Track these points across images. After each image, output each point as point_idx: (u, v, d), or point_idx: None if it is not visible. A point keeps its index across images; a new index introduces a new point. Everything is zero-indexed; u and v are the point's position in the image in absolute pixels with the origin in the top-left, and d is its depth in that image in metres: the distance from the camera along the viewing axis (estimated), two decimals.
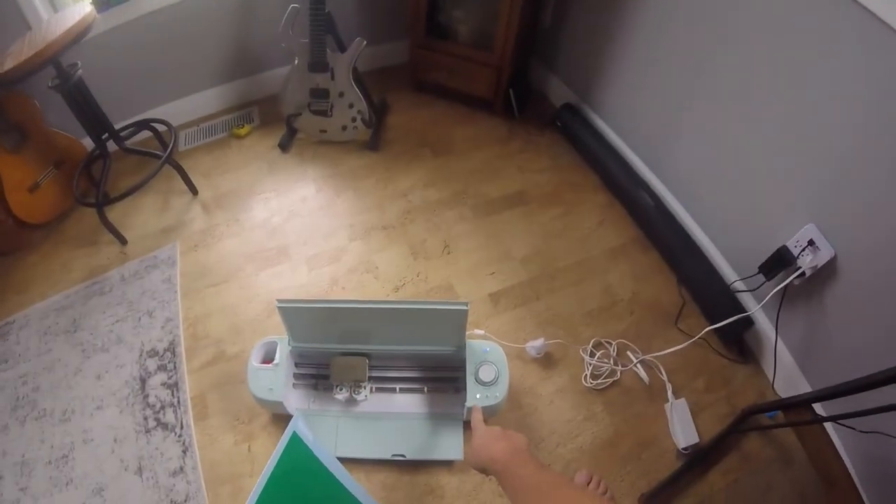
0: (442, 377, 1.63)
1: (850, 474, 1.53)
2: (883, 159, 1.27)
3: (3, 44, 1.89)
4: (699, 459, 1.59)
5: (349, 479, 1.47)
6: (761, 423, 1.60)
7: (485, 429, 1.07)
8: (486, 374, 1.51)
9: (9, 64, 1.74)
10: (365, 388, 1.61)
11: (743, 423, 1.50)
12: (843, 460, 1.55)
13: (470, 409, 1.48)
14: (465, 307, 1.40)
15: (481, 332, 1.78)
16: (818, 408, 1.58)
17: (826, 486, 1.57)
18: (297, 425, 1.52)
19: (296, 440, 1.49)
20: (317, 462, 1.47)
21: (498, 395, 1.49)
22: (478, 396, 1.49)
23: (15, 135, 2.11)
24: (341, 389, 1.59)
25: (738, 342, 1.83)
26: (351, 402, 1.61)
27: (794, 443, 1.64)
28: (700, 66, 1.79)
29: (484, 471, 0.97)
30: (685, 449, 1.59)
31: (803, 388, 1.61)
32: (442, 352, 1.59)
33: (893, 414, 1.22)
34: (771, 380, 1.74)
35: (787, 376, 1.70)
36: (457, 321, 1.45)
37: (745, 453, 1.61)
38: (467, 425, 1.58)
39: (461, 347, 1.56)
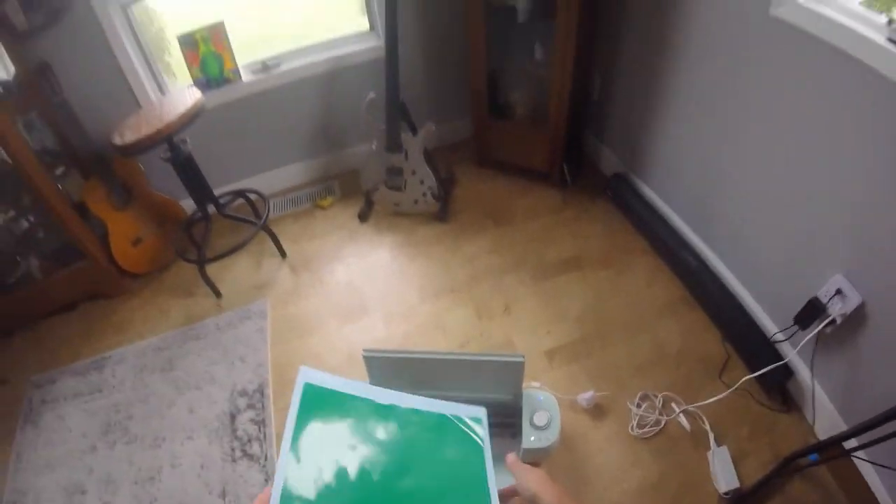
0: (501, 423, 1.73)
1: None
2: None
3: (114, 116, 2.12)
4: (742, 503, 1.63)
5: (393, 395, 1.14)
6: (800, 465, 1.60)
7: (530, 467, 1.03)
8: (540, 419, 1.64)
9: (129, 138, 1.93)
10: None
11: (785, 468, 1.53)
12: (879, 502, 1.59)
13: (524, 451, 1.62)
14: (521, 359, 1.55)
15: (537, 384, 1.90)
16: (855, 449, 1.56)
17: None
18: (307, 374, 1.12)
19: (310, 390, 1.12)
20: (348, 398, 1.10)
21: (550, 437, 1.59)
22: (532, 439, 1.60)
23: (123, 193, 2.32)
24: None
25: (781, 391, 1.87)
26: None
27: (837, 488, 1.67)
28: (734, 135, 1.90)
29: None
30: (726, 493, 1.64)
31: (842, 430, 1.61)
32: (501, 399, 1.71)
33: None
34: (812, 425, 1.78)
35: (827, 421, 1.74)
36: (514, 372, 1.59)
37: (790, 498, 1.65)
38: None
39: (518, 395, 1.71)
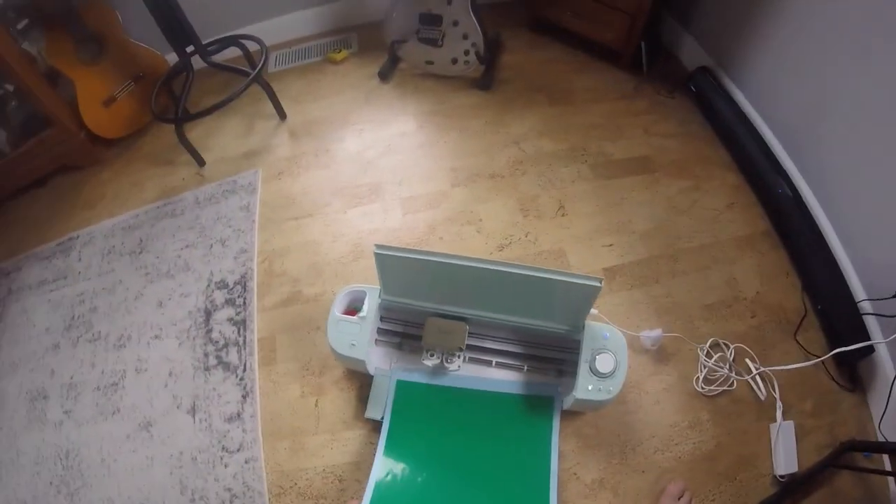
0: (548, 357, 1.43)
1: None
2: None
3: None
4: (792, 491, 1.46)
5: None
6: (858, 462, 1.48)
7: None
8: (604, 364, 1.29)
9: None
10: (459, 357, 1.42)
11: (839, 458, 1.43)
12: None
13: (576, 401, 1.32)
14: (598, 284, 1.17)
15: (595, 311, 1.55)
16: None
17: None
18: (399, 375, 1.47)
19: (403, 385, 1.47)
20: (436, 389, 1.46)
21: (612, 389, 1.28)
22: (590, 388, 1.28)
23: (93, 46, 2.09)
24: (432, 355, 1.41)
25: (851, 368, 1.66)
26: (440, 370, 1.42)
27: (882, 488, 1.49)
28: (870, 44, 1.54)
29: None
30: (782, 477, 1.46)
31: None
32: (554, 330, 1.37)
33: None
34: (877, 418, 1.56)
35: (893, 415, 1.54)
36: (584, 298, 1.22)
37: (835, 490, 1.47)
38: (565, 414, 1.45)
39: (578, 329, 1.35)
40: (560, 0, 2.32)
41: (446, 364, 1.41)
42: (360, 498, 1.26)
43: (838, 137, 1.74)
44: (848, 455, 1.43)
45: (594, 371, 1.29)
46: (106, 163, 2.23)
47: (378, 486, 1.29)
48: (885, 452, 1.44)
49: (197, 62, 2.07)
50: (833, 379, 1.63)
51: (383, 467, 1.33)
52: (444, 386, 1.44)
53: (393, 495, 1.29)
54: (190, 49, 2.02)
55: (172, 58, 2.14)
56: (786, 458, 1.48)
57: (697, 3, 2.28)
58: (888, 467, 1.48)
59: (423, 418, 1.41)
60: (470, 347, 1.44)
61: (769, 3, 1.91)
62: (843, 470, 1.49)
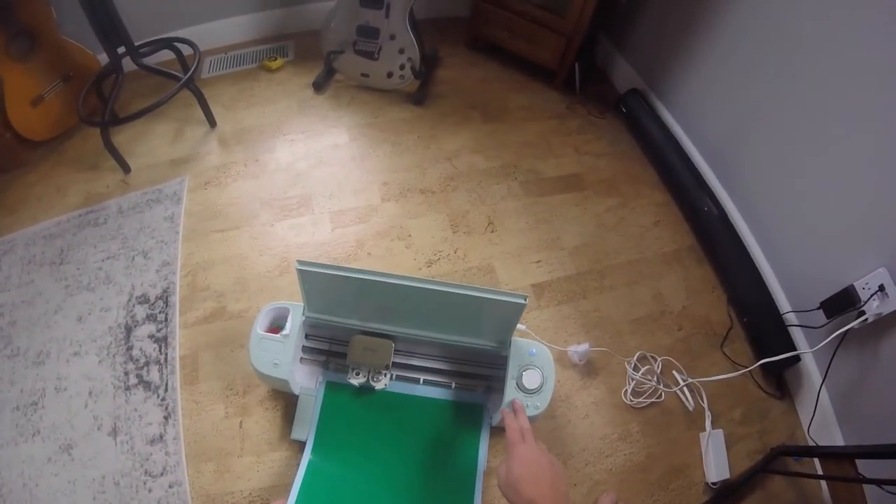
0: (476, 374, 1.45)
1: None
2: None
3: None
4: (725, 497, 1.51)
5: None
6: (790, 467, 1.56)
7: (533, 456, 0.98)
8: (531, 380, 1.30)
9: None
10: (386, 375, 1.42)
11: (771, 463, 1.48)
12: None
13: (503, 415, 1.30)
14: (522, 301, 1.18)
15: (523, 327, 1.58)
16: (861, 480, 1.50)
17: None
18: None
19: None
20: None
21: (539, 405, 1.30)
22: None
23: (24, 41, 1.98)
24: (358, 373, 1.40)
25: (778, 376, 1.75)
26: (366, 388, 1.42)
27: (815, 490, 1.56)
28: (790, 70, 1.66)
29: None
30: (714, 483, 1.51)
31: (836, 437, 1.55)
32: (481, 346, 1.38)
33: None
34: (806, 424, 1.65)
35: (822, 422, 1.63)
36: (510, 316, 1.24)
37: (769, 494, 1.53)
38: (495, 431, 1.45)
39: (505, 345, 1.36)
40: (498, 20, 2.35)
41: (372, 382, 1.40)
42: (286, 497, 1.26)
43: (761, 157, 1.84)
44: (780, 460, 1.49)
45: (521, 387, 1.31)
46: (31, 165, 2.13)
47: (304, 486, 1.29)
48: (814, 456, 1.49)
49: (128, 64, 2.00)
50: (761, 388, 1.70)
51: (310, 468, 1.32)
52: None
53: (318, 495, 1.29)
54: (121, 50, 1.96)
55: (105, 58, 2.06)
56: (717, 466, 1.52)
57: (632, 28, 2.37)
58: (819, 471, 1.54)
59: (351, 420, 1.41)
60: (397, 365, 1.44)
61: (698, 32, 2.02)
62: (775, 474, 1.55)
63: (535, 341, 1.40)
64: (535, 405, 1.30)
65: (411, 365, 1.45)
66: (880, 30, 1.35)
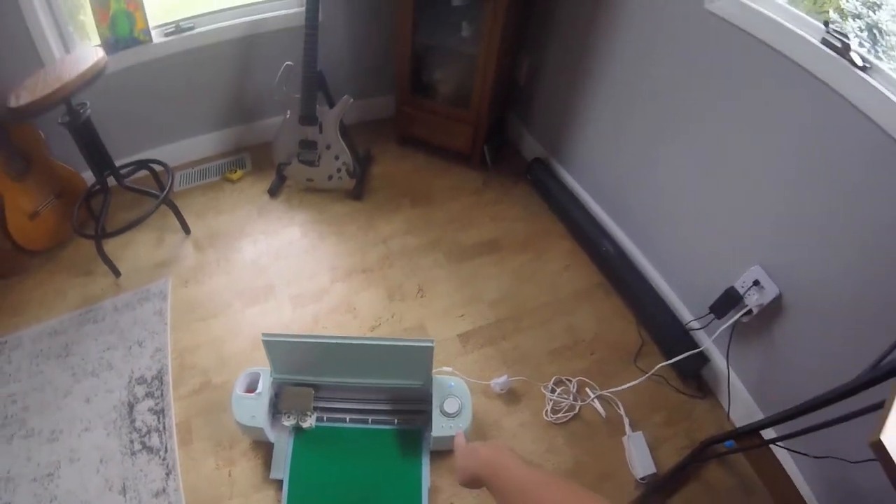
0: (410, 410, 1.74)
1: (806, 501, 1.63)
2: (819, 207, 1.42)
3: (16, 76, 1.94)
4: (658, 489, 1.67)
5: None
6: (717, 451, 1.66)
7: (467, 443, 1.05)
8: (451, 406, 1.63)
9: (25, 99, 1.81)
10: (310, 416, 1.70)
11: (701, 454, 1.58)
12: (797, 489, 1.65)
13: (435, 440, 1.62)
14: (430, 344, 1.53)
15: (449, 369, 1.87)
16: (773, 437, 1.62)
17: None
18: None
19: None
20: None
21: (461, 425, 1.61)
22: (443, 426, 1.61)
23: (20, 163, 2.14)
24: (289, 416, 1.69)
25: (696, 378, 1.94)
26: (297, 428, 1.70)
27: (754, 473, 1.73)
28: (657, 124, 1.93)
29: (473, 481, 0.86)
30: (643, 479, 1.67)
31: (758, 418, 1.66)
32: (410, 386, 1.70)
33: (845, 439, 1.37)
34: (727, 412, 1.84)
35: (742, 407, 1.80)
36: (423, 357, 1.58)
37: (707, 483, 1.70)
38: (434, 455, 1.70)
39: (428, 382, 1.68)
40: (419, 119, 2.67)
41: (300, 422, 1.69)
42: None
43: (644, 196, 2.09)
44: (711, 450, 1.59)
45: (444, 413, 1.63)
46: (30, 272, 2.27)
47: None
48: (733, 438, 1.53)
49: (111, 181, 2.20)
50: (680, 392, 1.90)
51: (291, 496, 1.60)
52: (337, 427, 1.72)
53: None
54: (107, 172, 2.16)
55: (88, 175, 2.23)
56: (641, 462, 1.68)
57: (532, 105, 2.65)
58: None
59: (318, 457, 1.68)
60: (352, 410, 1.74)
61: (577, 102, 2.30)
62: (712, 465, 1.71)
63: (452, 377, 1.72)
64: (458, 425, 1.61)
65: (363, 409, 1.74)
66: (718, 86, 1.63)
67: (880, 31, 1.30)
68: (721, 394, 1.88)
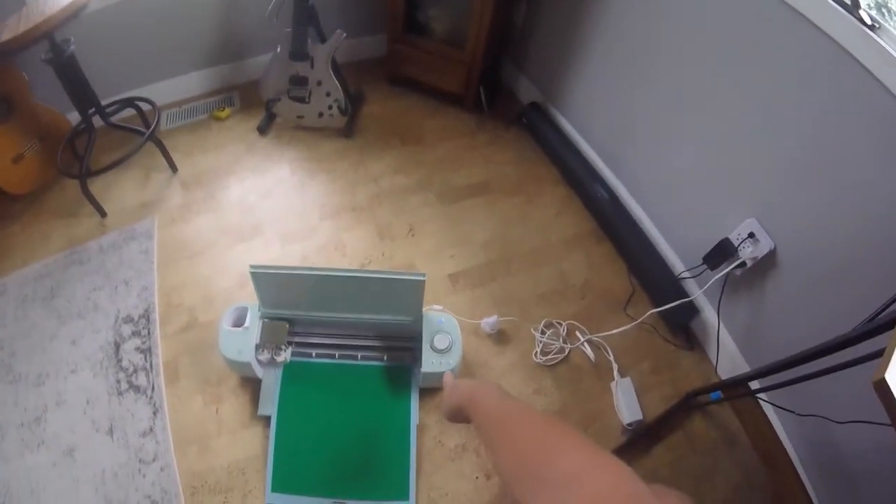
0: (400, 346, 1.73)
1: (790, 457, 1.64)
2: (817, 164, 1.38)
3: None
4: (643, 435, 1.68)
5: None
6: (702, 401, 1.70)
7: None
8: (441, 342, 1.61)
9: (5, 36, 1.74)
10: (285, 350, 1.68)
11: (686, 404, 1.61)
12: (782, 443, 1.66)
13: (424, 376, 1.61)
14: (422, 277, 1.50)
15: (439, 307, 1.87)
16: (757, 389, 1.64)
17: (768, 468, 1.68)
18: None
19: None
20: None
21: (451, 362, 1.60)
22: (432, 363, 1.60)
23: (2, 106, 2.10)
24: (264, 351, 1.66)
25: (685, 330, 1.94)
26: (272, 362, 1.68)
27: (738, 427, 1.75)
28: (655, 72, 1.89)
29: (458, 413, 0.89)
30: (629, 424, 1.69)
31: (744, 371, 1.65)
32: (400, 321, 1.68)
33: (831, 399, 1.40)
34: (715, 365, 1.85)
35: (729, 361, 1.80)
36: (414, 292, 1.55)
37: (690, 433, 1.71)
38: (423, 392, 1.71)
39: (418, 318, 1.67)
40: (411, 58, 2.60)
41: (275, 357, 1.67)
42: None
43: (640, 144, 2.06)
44: (697, 402, 1.62)
45: (434, 349, 1.61)
46: (13, 217, 2.25)
47: (276, 451, 1.57)
48: (719, 389, 1.57)
49: (97, 121, 2.17)
50: (668, 342, 1.90)
51: (278, 437, 1.59)
52: (325, 363, 1.71)
53: (288, 457, 1.57)
54: (91, 111, 2.12)
55: (73, 116, 2.21)
56: (628, 409, 1.70)
57: (529, 49, 2.60)
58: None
59: (307, 392, 1.67)
60: (341, 346, 1.72)
61: (576, 47, 2.25)
62: (696, 416, 1.73)
63: (443, 313, 1.70)
64: (448, 362, 1.59)
65: (351, 345, 1.72)
66: (720, 34, 1.58)
67: (888, 11, 1.25)
68: (710, 347, 1.88)
